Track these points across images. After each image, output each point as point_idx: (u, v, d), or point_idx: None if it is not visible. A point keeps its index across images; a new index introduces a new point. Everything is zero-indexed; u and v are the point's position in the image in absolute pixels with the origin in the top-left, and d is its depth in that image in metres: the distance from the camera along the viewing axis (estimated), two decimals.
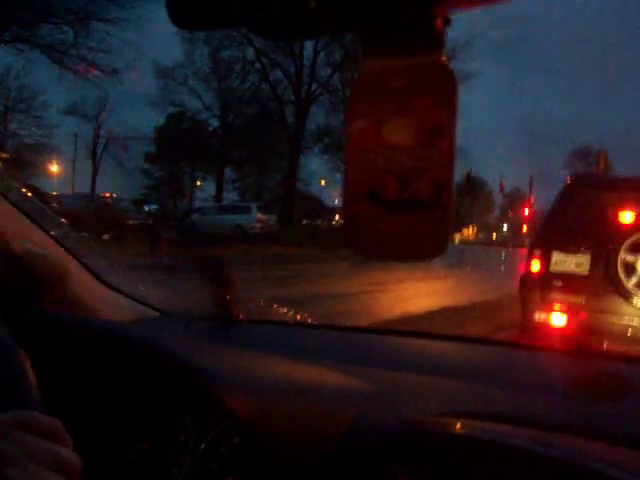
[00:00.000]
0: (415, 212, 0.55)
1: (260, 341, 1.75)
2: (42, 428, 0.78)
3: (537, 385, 1.38)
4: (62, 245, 1.69)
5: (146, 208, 38.13)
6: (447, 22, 0.54)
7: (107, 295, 1.79)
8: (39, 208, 1.75)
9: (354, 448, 1.16)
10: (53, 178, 38.71)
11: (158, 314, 1.87)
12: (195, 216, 30.15)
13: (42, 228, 1.65)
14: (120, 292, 1.83)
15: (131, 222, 23.70)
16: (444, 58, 0.55)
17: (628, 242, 6.07)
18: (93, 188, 40.71)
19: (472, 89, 37.83)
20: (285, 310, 2.05)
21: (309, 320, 2.01)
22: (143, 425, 1.35)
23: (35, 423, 0.78)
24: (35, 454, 0.73)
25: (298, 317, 2.00)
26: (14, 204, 1.60)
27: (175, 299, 2.20)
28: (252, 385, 1.32)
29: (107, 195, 30.35)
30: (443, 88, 0.54)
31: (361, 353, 1.64)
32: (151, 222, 26.30)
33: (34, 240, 1.59)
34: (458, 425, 1.15)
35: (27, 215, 1.62)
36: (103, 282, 1.79)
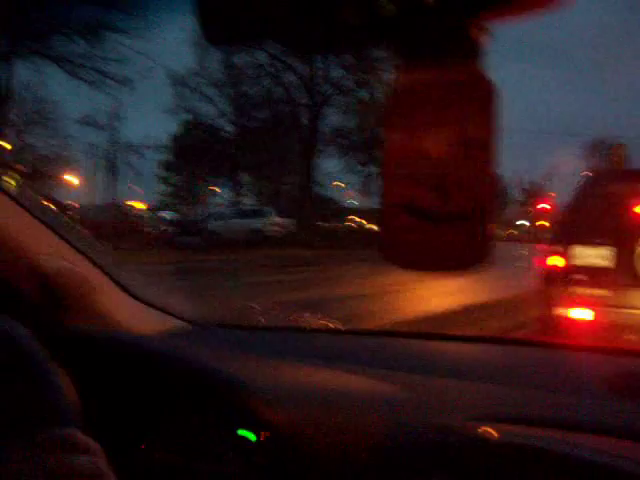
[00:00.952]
0: (453, 224, 0.55)
1: (291, 349, 1.74)
2: (83, 446, 0.79)
3: (569, 385, 1.37)
4: (88, 258, 1.68)
5: (163, 214, 38.18)
6: (485, 33, 0.54)
7: (136, 308, 1.77)
8: (63, 221, 1.74)
9: (392, 457, 1.15)
10: (70, 188, 38.84)
11: (188, 325, 1.85)
12: (212, 221, 30.15)
13: (67, 241, 1.64)
14: (149, 304, 1.80)
15: (148, 229, 23.76)
16: (483, 69, 0.54)
17: None
18: (112, 198, 40.88)
19: None
20: (310, 315, 2.04)
21: (336, 326, 1.99)
22: (178, 439, 1.34)
23: (79, 441, 0.79)
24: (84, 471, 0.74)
25: (325, 323, 1.99)
26: (38, 218, 1.58)
27: (201, 307, 2.19)
28: (288, 395, 1.30)
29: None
30: (482, 99, 0.54)
31: (390, 358, 1.62)
32: (168, 229, 26.35)
33: (60, 254, 1.58)
34: (494, 430, 1.14)
35: (52, 228, 1.61)
36: (131, 294, 1.77)
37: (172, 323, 1.83)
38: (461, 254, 0.56)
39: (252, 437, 1.25)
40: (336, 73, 34.77)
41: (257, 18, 0.58)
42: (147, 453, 1.34)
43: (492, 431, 1.13)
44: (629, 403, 1.28)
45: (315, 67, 34.34)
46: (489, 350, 1.73)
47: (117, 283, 1.74)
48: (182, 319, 1.85)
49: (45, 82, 34.02)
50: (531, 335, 7.10)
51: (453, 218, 0.55)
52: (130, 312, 1.74)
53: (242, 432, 1.25)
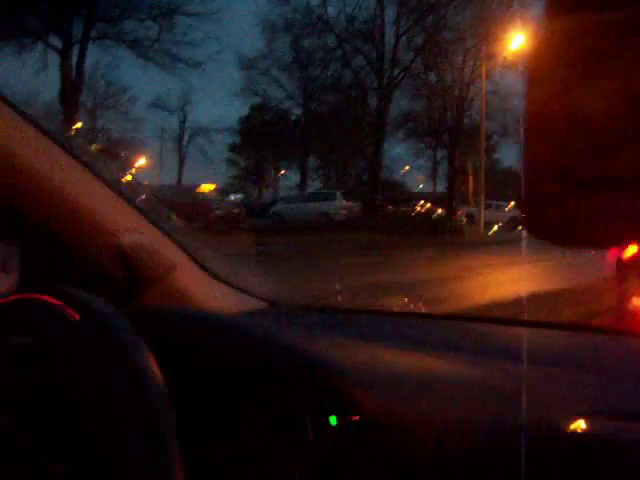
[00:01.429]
0: (614, 191, 0.48)
1: (376, 332, 1.69)
2: None
3: None
4: (167, 234, 1.65)
5: (231, 197, 38.56)
6: None
7: (215, 287, 1.74)
8: (146, 199, 1.73)
9: (492, 452, 1.09)
10: (141, 171, 39.48)
11: (269, 306, 1.81)
12: (280, 205, 30.33)
13: (147, 217, 1.61)
14: (227, 283, 1.77)
15: (217, 212, 23.97)
16: None
17: None
18: (180, 179, 41.42)
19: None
20: (395, 298, 2.01)
21: (420, 309, 1.96)
22: (258, 420, 1.28)
23: None
24: None
25: (408, 306, 1.96)
26: (120, 194, 1.56)
27: (279, 289, 2.17)
28: (382, 379, 1.26)
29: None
30: None
31: (479, 343, 1.56)
32: (237, 211, 26.57)
33: (139, 230, 1.56)
34: (599, 425, 1.09)
35: (132, 204, 1.59)
36: (210, 273, 1.73)
37: (252, 303, 1.78)
38: (623, 228, 0.49)
39: (334, 421, 1.22)
40: (405, 56, 34.51)
41: None
42: (235, 439, 1.29)
43: (609, 427, 1.07)
44: None
45: (384, 50, 34.13)
46: (575, 337, 1.68)
47: (196, 261, 1.71)
48: (262, 299, 1.81)
49: (117, 66, 34.56)
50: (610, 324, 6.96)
51: (615, 185, 0.48)
52: (210, 291, 1.71)
53: (333, 418, 1.19)
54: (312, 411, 1.21)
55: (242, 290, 1.80)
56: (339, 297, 1.90)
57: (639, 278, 6.29)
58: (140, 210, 1.60)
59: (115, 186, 1.56)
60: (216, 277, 1.75)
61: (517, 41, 30.42)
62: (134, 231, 1.53)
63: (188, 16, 28.95)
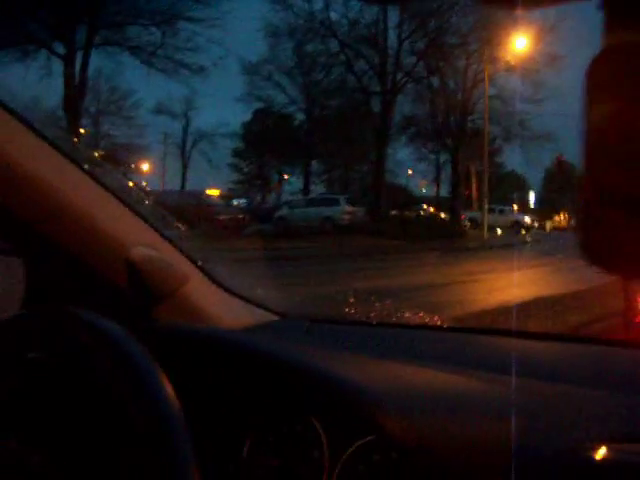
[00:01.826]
0: None
1: (392, 346, 1.65)
2: None
3: None
4: (179, 248, 1.63)
5: (235, 202, 38.53)
6: None
7: (227, 300, 1.71)
8: (154, 209, 1.71)
9: (521, 475, 1.04)
10: (144, 176, 39.51)
11: (280, 319, 1.78)
12: (284, 209, 30.31)
13: (158, 231, 1.59)
14: (239, 296, 1.75)
15: (222, 217, 23.95)
16: None
17: None
18: (183, 185, 41.44)
19: (559, 71, 37.07)
20: (409, 311, 1.98)
21: (436, 322, 1.92)
22: (271, 440, 1.25)
23: None
24: None
25: (424, 318, 1.93)
26: (128, 205, 1.53)
27: (289, 298, 2.15)
28: (400, 399, 1.22)
29: None
30: None
31: (497, 358, 1.52)
32: (241, 216, 26.56)
33: (150, 243, 1.53)
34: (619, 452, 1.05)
35: (142, 217, 1.56)
36: (221, 286, 1.71)
37: (264, 317, 1.76)
38: None
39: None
40: (408, 60, 34.48)
41: None
42: (248, 459, 1.26)
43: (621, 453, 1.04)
44: None
45: (387, 54, 34.10)
46: (591, 351, 1.63)
47: (207, 274, 1.69)
48: (273, 312, 1.79)
49: (121, 71, 34.64)
50: (613, 331, 6.92)
51: None
52: (221, 305, 1.68)
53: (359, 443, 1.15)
54: (329, 431, 1.19)
55: (253, 303, 1.78)
56: (350, 308, 1.88)
57: None
58: (150, 222, 1.58)
59: (123, 197, 1.53)
60: (227, 290, 1.73)
61: (520, 44, 30.48)
62: (145, 244, 1.51)
63: (191, 22, 28.95)
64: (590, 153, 0.46)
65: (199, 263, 1.67)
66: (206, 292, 1.66)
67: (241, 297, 1.76)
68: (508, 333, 1.72)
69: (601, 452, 1.04)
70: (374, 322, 1.87)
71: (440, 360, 1.46)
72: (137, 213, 1.55)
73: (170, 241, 1.61)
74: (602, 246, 0.48)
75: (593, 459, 1.03)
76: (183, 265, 1.61)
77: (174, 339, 1.42)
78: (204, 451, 1.09)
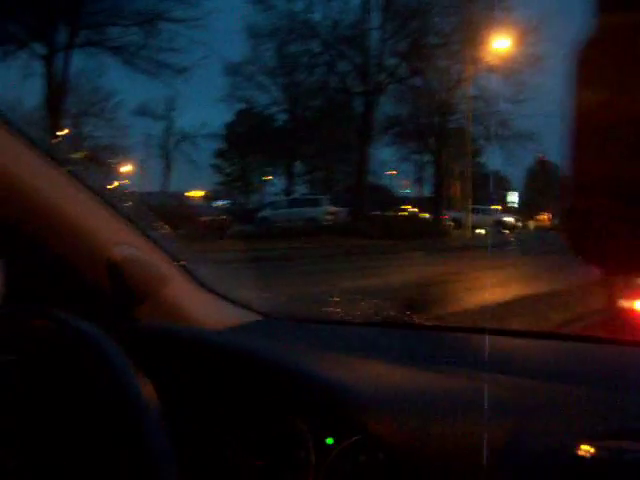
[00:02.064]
0: None
1: (375, 345, 1.65)
2: None
3: None
4: (161, 248, 1.61)
5: (218, 203, 38.51)
6: None
7: (208, 300, 1.70)
8: (136, 209, 1.69)
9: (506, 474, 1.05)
10: (126, 177, 39.35)
11: (262, 318, 1.77)
12: (266, 210, 30.36)
13: (139, 230, 1.57)
14: (221, 296, 1.73)
15: (204, 218, 23.91)
16: None
17: None
18: (166, 186, 41.36)
19: (541, 72, 37.32)
20: (392, 309, 1.98)
21: (418, 320, 1.92)
22: (256, 441, 1.24)
23: None
24: None
25: (404, 317, 1.93)
26: (110, 205, 1.51)
27: (271, 298, 2.14)
28: (384, 398, 1.22)
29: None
30: None
31: (483, 358, 1.51)
32: (224, 217, 26.54)
33: (132, 243, 1.51)
34: (619, 453, 1.05)
35: (123, 216, 1.54)
36: (203, 286, 1.70)
37: (247, 317, 1.75)
38: None
39: (330, 441, 1.18)
40: (390, 61, 34.53)
41: None
42: (232, 460, 1.25)
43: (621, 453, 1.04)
44: None
45: (369, 55, 34.14)
46: (576, 348, 1.64)
47: (189, 274, 1.67)
48: (255, 312, 1.78)
49: (102, 72, 34.51)
50: (593, 329, 6.96)
51: None
52: (203, 305, 1.67)
53: (330, 440, 1.16)
54: (314, 432, 1.18)
55: (235, 303, 1.77)
56: (334, 307, 1.87)
57: (627, 279, 6.30)
58: (131, 221, 1.56)
59: (105, 196, 1.51)
60: (209, 290, 1.72)
61: (502, 45, 30.62)
62: (126, 244, 1.49)
63: (173, 22, 28.90)
64: (578, 140, 0.44)
65: (181, 263, 1.66)
66: (188, 292, 1.65)
67: (224, 297, 1.75)
68: (490, 331, 1.72)
69: (583, 450, 1.04)
70: (358, 321, 1.87)
71: (423, 359, 1.46)
72: (119, 213, 1.53)
73: (152, 241, 1.60)
74: (588, 238, 0.46)
75: (575, 457, 1.04)
76: (165, 265, 1.59)
77: (155, 339, 1.41)
78: (188, 451, 1.09)
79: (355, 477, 1.13)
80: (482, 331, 1.77)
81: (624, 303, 6.24)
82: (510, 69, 32.14)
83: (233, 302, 1.76)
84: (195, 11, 29.87)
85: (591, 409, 1.17)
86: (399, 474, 1.11)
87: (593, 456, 1.03)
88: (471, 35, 30.62)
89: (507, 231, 34.89)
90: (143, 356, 1.09)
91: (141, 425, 0.93)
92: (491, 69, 32.31)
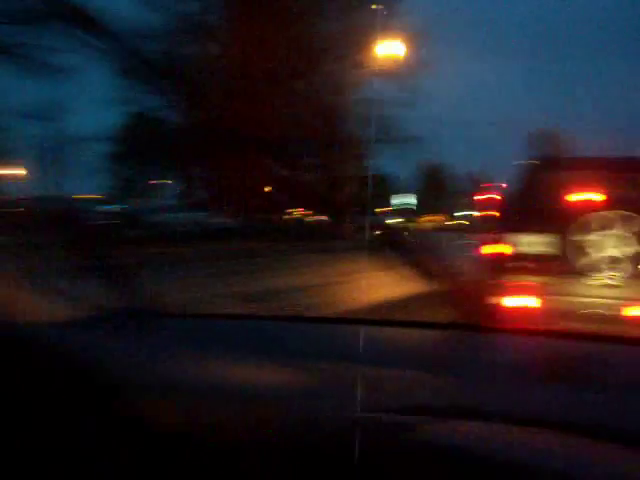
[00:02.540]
0: None
1: (192, 336, 1.67)
2: None
3: (503, 372, 1.34)
4: None
5: (109, 207, 37.90)
6: None
7: (37, 296, 1.68)
8: None
9: (304, 454, 1.09)
10: (15, 182, 38.23)
11: (95, 313, 1.78)
12: (156, 214, 30.16)
13: None
14: (49, 293, 1.74)
15: (94, 222, 23.50)
16: None
17: (580, 222, 6.12)
18: (55, 190, 40.34)
19: (429, 76, 38.20)
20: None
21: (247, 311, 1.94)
22: (62, 440, 1.22)
23: None
24: None
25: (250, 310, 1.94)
26: None
27: (113, 298, 2.10)
28: (177, 387, 1.23)
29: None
30: None
31: (302, 344, 1.56)
32: (112, 221, 26.18)
33: None
34: (415, 425, 1.10)
35: None
36: (30, 284, 1.69)
37: (73, 311, 1.73)
38: None
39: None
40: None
41: None
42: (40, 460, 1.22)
43: (416, 425, 1.11)
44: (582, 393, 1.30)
45: None
46: (417, 335, 1.69)
47: (17, 270, 1.67)
48: (88, 307, 1.76)
49: None
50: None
51: None
52: (27, 301, 1.63)
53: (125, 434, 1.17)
54: (103, 434, 1.18)
55: (67, 299, 1.75)
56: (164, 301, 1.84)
57: (499, 278, 6.52)
58: None
59: None
60: (39, 286, 1.73)
61: (390, 50, 31.11)
62: None
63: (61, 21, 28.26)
64: None
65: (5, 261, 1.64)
66: (14, 287, 1.62)
67: (57, 293, 1.79)
68: (335, 320, 1.77)
69: (375, 421, 1.12)
70: (192, 313, 1.88)
71: (243, 348, 1.48)
72: None
73: None
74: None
75: (368, 427, 1.11)
76: None
77: None
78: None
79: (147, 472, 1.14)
80: (301, 320, 1.81)
81: (496, 300, 6.46)
82: (398, 74, 32.67)
83: (65, 299, 1.74)
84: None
85: (384, 386, 1.24)
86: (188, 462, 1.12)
87: (382, 427, 1.12)
88: (355, 39, 30.90)
89: (406, 232, 35.59)
90: None
91: None
92: (379, 73, 32.73)
